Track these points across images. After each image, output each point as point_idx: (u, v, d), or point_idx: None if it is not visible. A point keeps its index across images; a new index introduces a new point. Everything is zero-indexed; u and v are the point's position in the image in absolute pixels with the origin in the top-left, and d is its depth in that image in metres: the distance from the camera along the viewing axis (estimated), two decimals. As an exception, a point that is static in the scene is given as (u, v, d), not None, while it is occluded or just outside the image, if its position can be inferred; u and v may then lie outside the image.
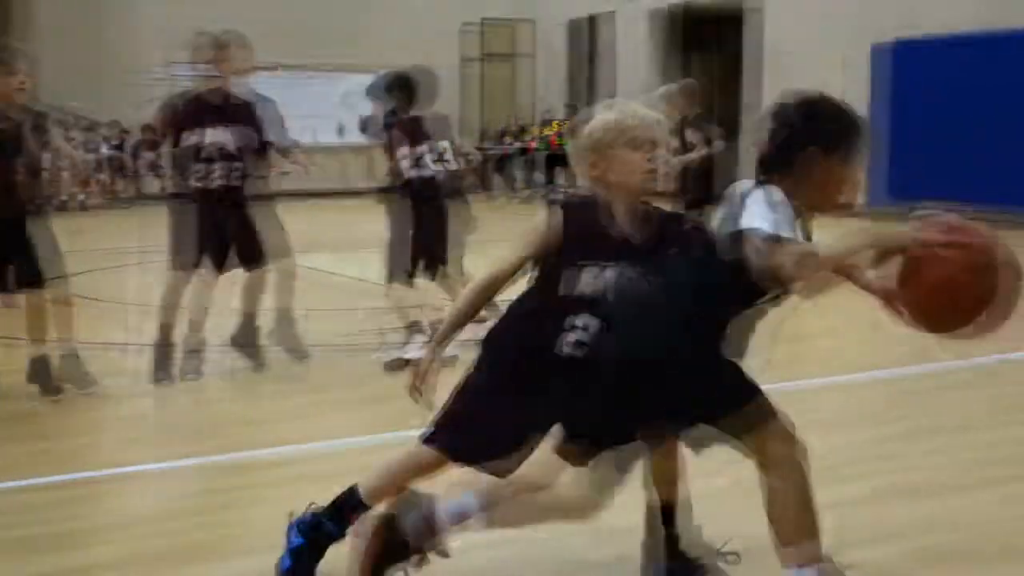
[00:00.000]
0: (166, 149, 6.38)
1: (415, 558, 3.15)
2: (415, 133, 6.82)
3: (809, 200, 2.92)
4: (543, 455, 3.11)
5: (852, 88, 16.08)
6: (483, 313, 3.29)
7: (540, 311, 3.21)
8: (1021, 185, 14.98)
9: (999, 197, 14.71)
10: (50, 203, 6.15)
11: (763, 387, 3.02)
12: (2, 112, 5.62)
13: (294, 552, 3.36)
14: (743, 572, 3.48)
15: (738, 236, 2.82)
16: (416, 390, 3.21)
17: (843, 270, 3.02)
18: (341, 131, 21.60)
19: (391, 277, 6.86)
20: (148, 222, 8.08)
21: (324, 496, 4.10)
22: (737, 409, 2.93)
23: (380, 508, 3.26)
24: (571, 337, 3.18)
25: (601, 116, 3.17)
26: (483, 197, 19.75)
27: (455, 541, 3.21)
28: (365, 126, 8.09)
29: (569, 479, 3.07)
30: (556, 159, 22.08)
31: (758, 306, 2.98)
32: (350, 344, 7.25)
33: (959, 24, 15.74)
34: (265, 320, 6.72)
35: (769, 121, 3.02)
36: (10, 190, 5.62)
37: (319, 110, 21.33)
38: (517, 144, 22.57)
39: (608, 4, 22.25)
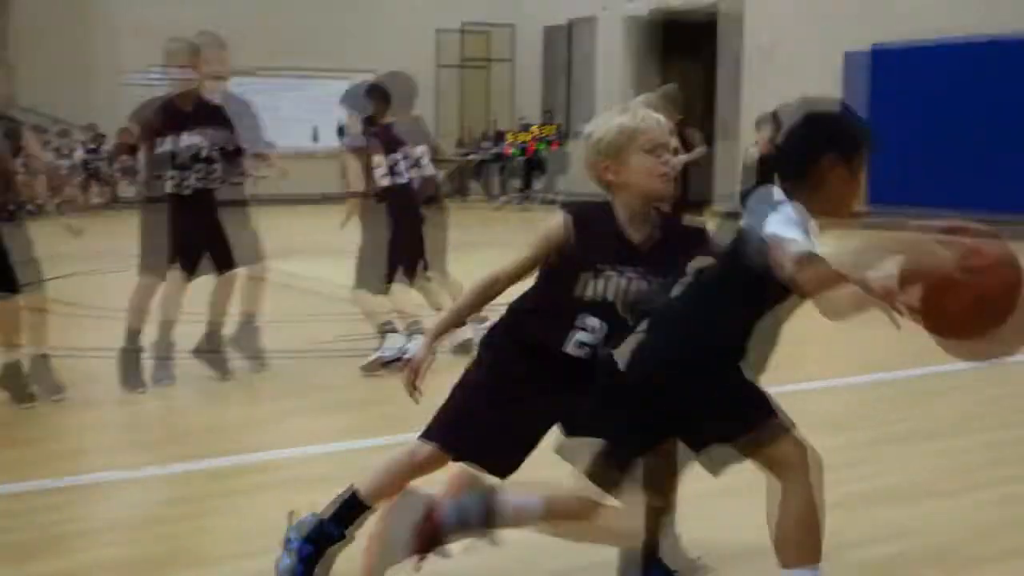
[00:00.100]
0: (143, 154, 6.32)
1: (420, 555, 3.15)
2: (390, 141, 6.85)
3: (823, 208, 2.94)
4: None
5: (828, 94, 16.25)
6: (482, 314, 3.29)
7: (545, 311, 3.21)
8: (995, 189, 15.18)
9: (974, 201, 14.89)
10: (24, 208, 6.07)
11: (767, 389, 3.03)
12: None
13: (295, 554, 3.34)
14: (740, 572, 3.49)
15: (766, 244, 2.83)
16: (412, 386, 3.20)
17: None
18: (316, 136, 21.68)
19: (358, 283, 6.87)
20: (123, 227, 8.02)
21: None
22: (755, 428, 2.95)
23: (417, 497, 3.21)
24: (577, 338, 3.18)
25: (614, 120, 3.15)
26: (460, 202, 19.82)
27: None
28: (342, 133, 8.11)
29: (622, 505, 3.08)
30: (532, 165, 22.22)
31: (775, 311, 2.99)
32: (322, 350, 7.24)
33: (935, 31, 15.97)
34: (230, 325, 6.68)
35: (779, 130, 3.05)
36: None
37: (298, 114, 21.39)
38: (494, 150, 22.62)
39: (586, 10, 22.36)
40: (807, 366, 6.48)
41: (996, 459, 4.90)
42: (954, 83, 15.78)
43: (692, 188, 9.79)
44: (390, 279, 6.83)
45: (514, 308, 3.31)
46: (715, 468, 3.08)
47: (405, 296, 6.99)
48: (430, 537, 3.15)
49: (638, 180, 3.10)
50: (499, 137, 22.86)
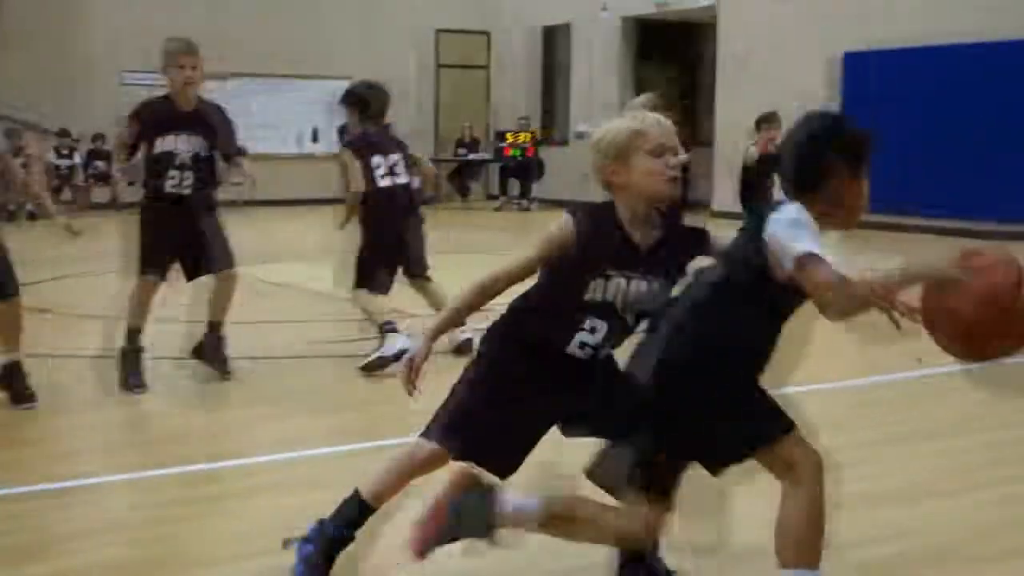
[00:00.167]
0: (142, 154, 6.31)
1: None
2: (367, 147, 6.91)
3: (831, 215, 2.98)
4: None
5: (815, 97, 16.40)
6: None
7: (546, 312, 3.23)
8: (970, 194, 15.26)
9: (947, 206, 15.07)
10: (24, 208, 6.09)
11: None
12: None
13: (305, 560, 3.36)
14: (740, 572, 3.52)
15: (766, 243, 2.88)
16: (410, 382, 3.21)
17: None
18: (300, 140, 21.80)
19: (357, 283, 6.89)
20: (97, 232, 8.02)
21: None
22: (768, 444, 2.98)
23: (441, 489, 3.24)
24: (578, 339, 3.21)
25: (621, 122, 3.18)
26: (437, 207, 19.88)
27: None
28: (343, 133, 8.14)
29: (622, 506, 3.12)
30: (510, 170, 22.37)
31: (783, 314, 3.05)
32: (314, 352, 7.26)
33: (908, 37, 16.06)
34: (199, 331, 6.64)
35: (791, 142, 3.08)
36: None
37: (282, 119, 21.47)
38: (471, 155, 22.76)
39: (567, 15, 22.49)
40: (807, 367, 6.52)
41: (996, 459, 4.93)
42: (929, 88, 15.94)
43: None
44: (370, 284, 6.87)
45: (515, 307, 3.34)
46: (715, 468, 3.12)
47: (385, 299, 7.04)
48: (431, 536, 3.18)
49: (641, 181, 3.13)
50: (475, 142, 23.07)
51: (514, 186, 22.21)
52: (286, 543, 3.42)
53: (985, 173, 15.32)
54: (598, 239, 3.14)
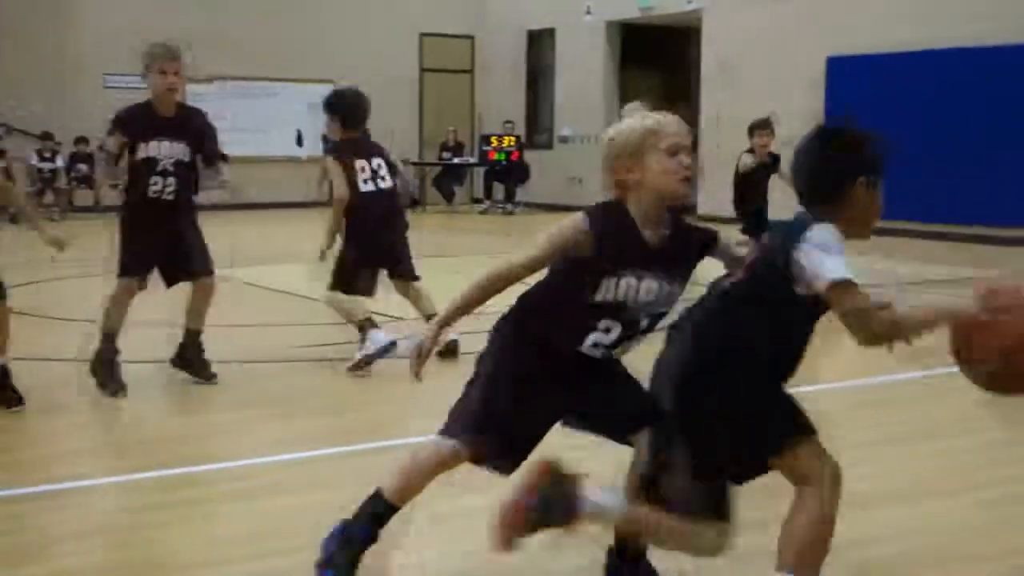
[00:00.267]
0: (125, 159, 6.33)
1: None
2: (349, 153, 6.97)
3: (849, 228, 3.02)
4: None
5: (799, 102, 16.48)
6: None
7: (558, 311, 3.26)
8: (953, 198, 15.46)
9: (930, 212, 15.18)
10: (7, 211, 6.10)
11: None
12: None
13: (330, 563, 3.38)
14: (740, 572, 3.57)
15: (800, 266, 2.92)
16: (417, 370, 3.22)
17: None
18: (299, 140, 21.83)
19: (332, 285, 6.95)
20: (79, 234, 8.01)
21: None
22: (789, 446, 3.03)
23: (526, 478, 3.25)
24: (591, 339, 3.24)
25: (636, 121, 3.21)
26: (420, 211, 19.95)
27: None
28: (326, 139, 8.22)
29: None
30: (494, 174, 22.47)
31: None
32: (297, 356, 7.29)
33: (893, 43, 16.22)
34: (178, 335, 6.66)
35: (809, 155, 3.12)
36: None
37: (267, 122, 21.51)
38: (456, 159, 22.84)
39: (552, 20, 22.58)
40: (807, 367, 6.56)
41: (996, 459, 4.98)
42: (914, 93, 16.07)
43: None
44: (351, 288, 6.95)
45: (526, 306, 3.35)
46: (738, 478, 3.16)
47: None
48: (519, 526, 3.19)
49: (655, 180, 3.16)
50: (459, 146, 23.17)
51: (499, 190, 22.31)
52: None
53: (969, 177, 15.49)
54: (614, 237, 3.16)
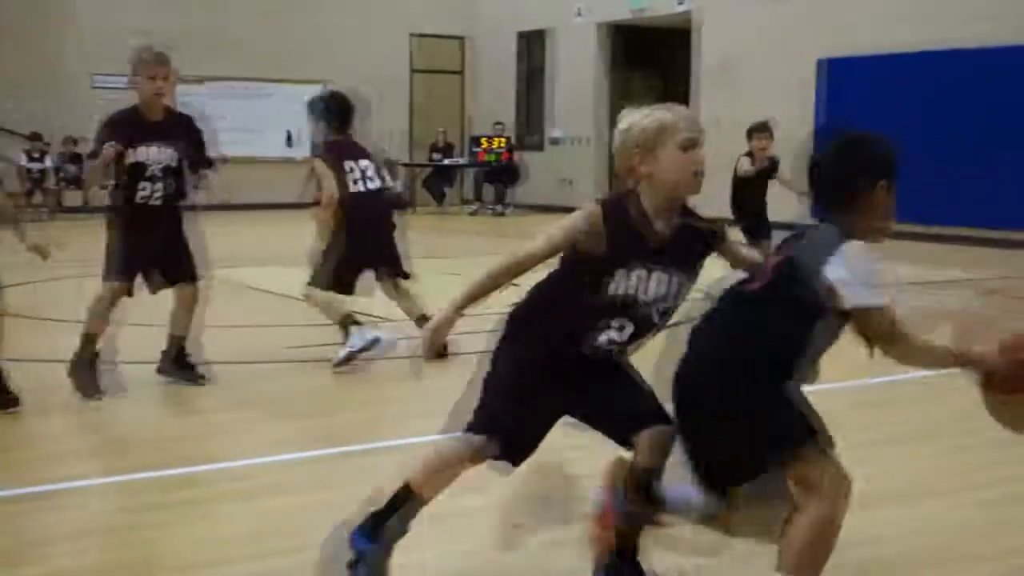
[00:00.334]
0: (114, 164, 6.34)
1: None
2: (337, 155, 7.05)
3: (865, 231, 3.07)
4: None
5: (793, 104, 16.50)
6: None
7: (571, 306, 3.28)
8: (951, 202, 15.53)
9: (928, 214, 15.25)
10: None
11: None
12: None
13: (363, 555, 3.41)
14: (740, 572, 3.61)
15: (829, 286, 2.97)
16: (431, 350, 3.24)
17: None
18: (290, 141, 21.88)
19: (312, 280, 7.04)
20: (70, 235, 8.03)
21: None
22: (797, 452, 3.06)
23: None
24: (603, 336, 3.28)
25: (653, 113, 3.25)
26: (411, 212, 19.99)
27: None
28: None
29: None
30: (485, 176, 22.56)
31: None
32: (290, 357, 7.30)
33: (888, 44, 16.28)
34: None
35: (826, 163, 3.16)
36: None
37: (259, 123, 21.54)
38: (446, 160, 22.92)
39: (544, 21, 22.63)
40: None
41: (996, 459, 5.01)
42: (908, 94, 16.14)
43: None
44: (334, 287, 7.03)
45: (539, 299, 3.38)
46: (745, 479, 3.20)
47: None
48: (612, 527, 3.28)
49: (667, 174, 3.20)
50: (448, 147, 23.23)
51: (489, 191, 22.40)
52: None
53: (967, 179, 15.57)
54: (625, 228, 3.20)
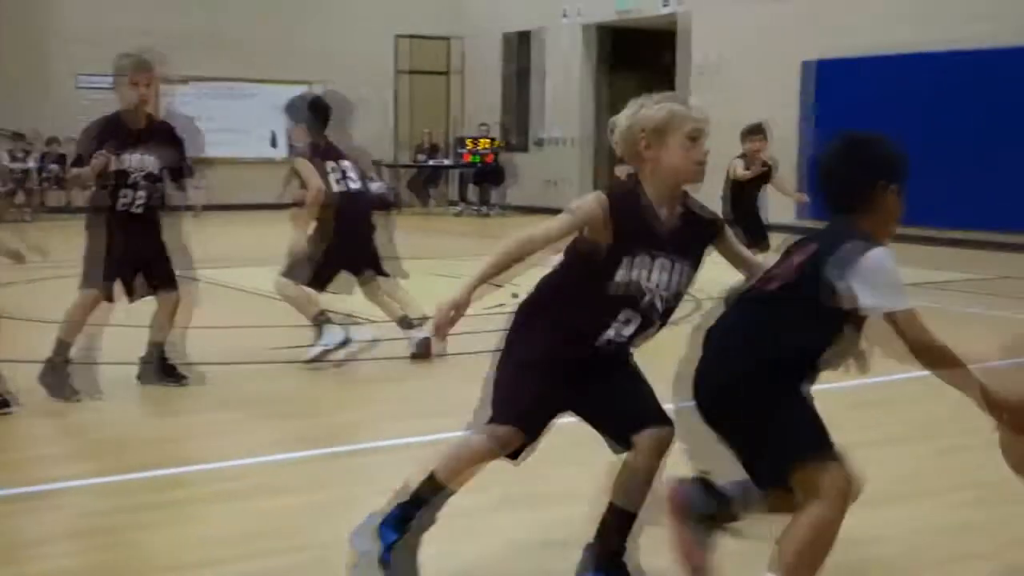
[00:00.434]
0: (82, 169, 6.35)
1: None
2: (319, 155, 7.14)
3: (877, 233, 3.13)
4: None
5: (780, 105, 16.57)
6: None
7: (581, 301, 3.33)
8: (949, 204, 15.54)
9: (927, 216, 15.31)
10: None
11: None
12: None
13: (391, 547, 3.43)
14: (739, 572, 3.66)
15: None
16: (442, 332, 3.23)
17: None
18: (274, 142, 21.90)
19: (285, 272, 7.13)
20: (52, 235, 8.02)
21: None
22: (808, 463, 3.11)
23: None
24: (611, 329, 3.33)
25: (663, 103, 3.30)
26: (395, 213, 20.02)
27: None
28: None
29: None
30: (470, 177, 22.64)
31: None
32: (273, 358, 7.33)
33: (878, 46, 16.37)
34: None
35: (838, 166, 3.23)
36: None
37: (244, 123, 21.53)
38: (431, 161, 22.98)
39: (531, 22, 22.68)
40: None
41: (996, 459, 5.02)
42: (899, 96, 16.18)
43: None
44: (313, 283, 7.12)
45: (547, 293, 3.42)
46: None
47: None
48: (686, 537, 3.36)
49: (672, 163, 3.27)
50: (433, 148, 23.26)
51: (474, 192, 22.46)
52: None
53: (966, 182, 15.61)
54: (630, 214, 3.25)
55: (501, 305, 3.85)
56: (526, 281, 3.48)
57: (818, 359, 3.14)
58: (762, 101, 16.18)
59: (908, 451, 5.26)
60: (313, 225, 7.16)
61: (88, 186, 6.41)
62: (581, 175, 21.69)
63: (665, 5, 20.20)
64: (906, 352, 3.02)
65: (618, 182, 3.38)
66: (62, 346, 6.28)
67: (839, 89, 16.92)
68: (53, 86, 19.66)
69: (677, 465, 3.52)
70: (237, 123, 21.18)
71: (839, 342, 3.14)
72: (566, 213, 3.27)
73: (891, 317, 3.00)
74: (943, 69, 15.94)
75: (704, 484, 3.44)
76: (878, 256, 3.03)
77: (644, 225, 3.28)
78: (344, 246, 7.15)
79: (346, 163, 7.23)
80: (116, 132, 6.22)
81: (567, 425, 3.53)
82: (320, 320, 7.04)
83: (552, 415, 3.43)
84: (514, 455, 3.41)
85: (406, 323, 7.30)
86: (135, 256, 6.35)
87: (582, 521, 3.54)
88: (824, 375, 3.27)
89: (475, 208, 22.16)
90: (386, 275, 7.33)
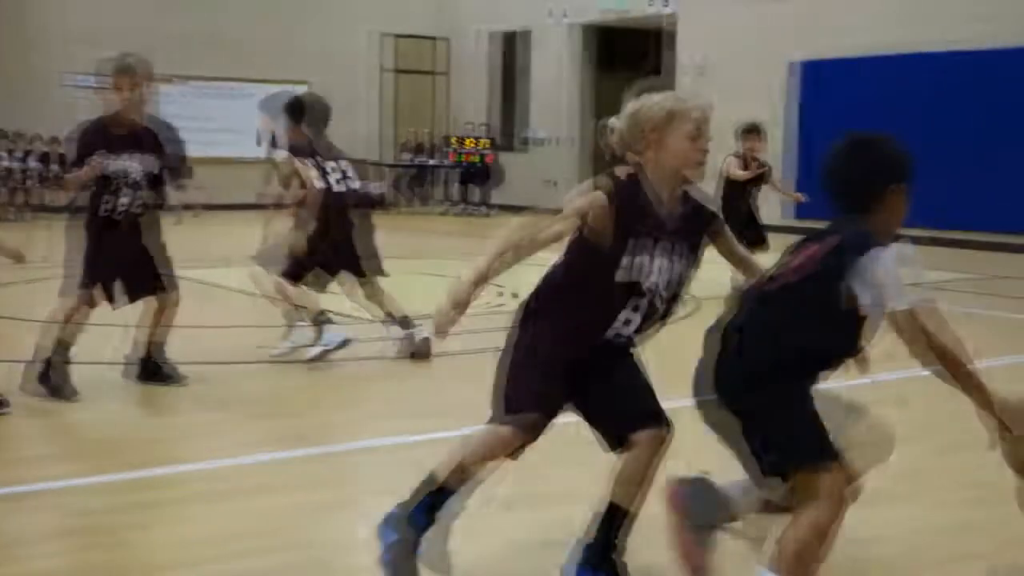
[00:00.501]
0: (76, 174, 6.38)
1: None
2: (308, 154, 7.21)
3: (881, 233, 3.14)
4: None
5: (768, 105, 16.61)
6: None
7: (585, 296, 3.35)
8: (948, 205, 15.47)
9: (925, 217, 15.31)
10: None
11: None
12: None
13: (391, 547, 3.43)
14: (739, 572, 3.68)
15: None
16: (444, 327, 3.23)
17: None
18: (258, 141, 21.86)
19: (260, 260, 7.28)
20: (46, 235, 8.04)
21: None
22: (809, 465, 3.12)
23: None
24: (615, 324, 3.36)
25: (666, 96, 3.34)
26: (384, 212, 20.06)
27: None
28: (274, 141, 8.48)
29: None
30: (460, 176, 22.71)
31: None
32: (262, 360, 7.33)
33: (867, 46, 16.49)
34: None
35: (845, 167, 3.24)
36: None
37: (236, 122, 21.54)
38: (418, 161, 23.01)
39: (523, 22, 22.71)
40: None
41: (996, 458, 5.09)
42: (888, 97, 16.26)
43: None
44: (301, 279, 7.21)
45: (553, 290, 3.44)
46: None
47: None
48: (690, 541, 3.38)
49: (672, 157, 3.31)
50: (419, 148, 23.31)
51: (464, 191, 22.50)
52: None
53: (964, 183, 15.67)
54: (630, 206, 3.29)
55: (501, 305, 3.88)
56: (512, 280, 3.50)
57: (831, 357, 3.18)
58: (750, 101, 16.18)
59: (908, 451, 5.26)
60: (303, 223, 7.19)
61: (88, 187, 6.43)
62: (568, 175, 21.73)
63: (650, 4, 20.20)
64: (925, 350, 3.03)
65: (621, 174, 3.40)
66: (59, 346, 6.27)
67: (831, 90, 16.97)
68: (39, 86, 19.61)
69: (677, 465, 3.54)
70: (237, 123, 21.17)
71: (853, 341, 3.16)
72: (566, 208, 3.29)
73: (891, 313, 3.01)
74: (942, 69, 15.98)
75: (704, 484, 3.45)
76: (886, 256, 3.04)
77: (646, 209, 3.31)
78: (324, 244, 7.22)
79: (331, 163, 7.28)
80: (101, 137, 6.18)
81: (567, 425, 3.53)
82: (320, 321, 7.08)
83: (559, 407, 3.44)
84: (513, 452, 3.42)
85: (391, 320, 7.35)
86: (116, 262, 6.32)
87: (582, 521, 3.54)
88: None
89: (461, 207, 22.16)
90: (363, 275, 7.37)
